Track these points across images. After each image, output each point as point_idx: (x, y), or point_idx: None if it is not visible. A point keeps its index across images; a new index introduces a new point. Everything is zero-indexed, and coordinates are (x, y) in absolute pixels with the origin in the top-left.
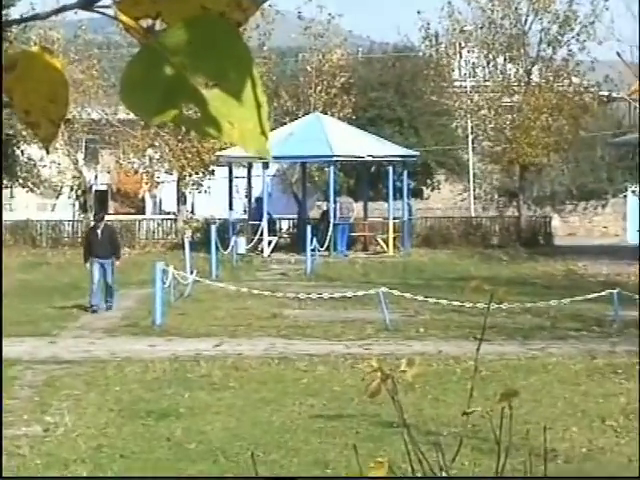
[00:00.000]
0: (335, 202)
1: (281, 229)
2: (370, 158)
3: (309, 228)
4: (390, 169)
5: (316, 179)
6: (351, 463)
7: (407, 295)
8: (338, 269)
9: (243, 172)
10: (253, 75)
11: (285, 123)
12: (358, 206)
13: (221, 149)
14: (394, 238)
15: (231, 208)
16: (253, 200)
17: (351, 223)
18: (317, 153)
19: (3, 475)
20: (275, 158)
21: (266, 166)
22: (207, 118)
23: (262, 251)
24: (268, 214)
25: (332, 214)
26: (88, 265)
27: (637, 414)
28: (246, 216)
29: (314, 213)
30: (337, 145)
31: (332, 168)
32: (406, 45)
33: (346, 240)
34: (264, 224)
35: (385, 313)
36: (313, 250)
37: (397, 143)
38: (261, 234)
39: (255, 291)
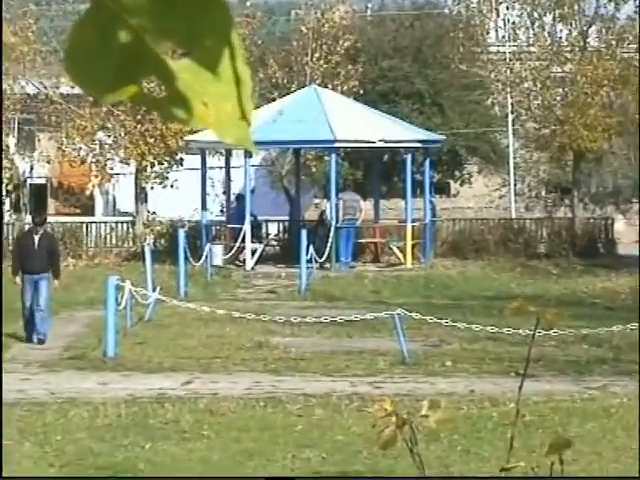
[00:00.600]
0: (337, 200)
1: (268, 234)
2: (382, 144)
3: (304, 233)
4: (408, 158)
5: (313, 171)
6: None
7: (430, 319)
8: (341, 285)
9: (220, 161)
10: (233, 41)
11: (274, 99)
12: (367, 205)
13: (192, 132)
14: (413, 246)
15: (204, 208)
16: (233, 197)
17: (358, 227)
18: (314, 137)
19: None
20: (261, 144)
21: (249, 154)
22: (174, 96)
23: (244, 262)
24: (252, 215)
25: (333, 215)
26: (18, 280)
27: None
28: (224, 218)
29: (311, 214)
30: (340, 127)
31: (333, 156)
32: (428, 0)
33: (351, 248)
34: (246, 228)
35: (402, 342)
36: (309, 261)
37: (417, 124)
38: (243, 241)
39: (235, 314)
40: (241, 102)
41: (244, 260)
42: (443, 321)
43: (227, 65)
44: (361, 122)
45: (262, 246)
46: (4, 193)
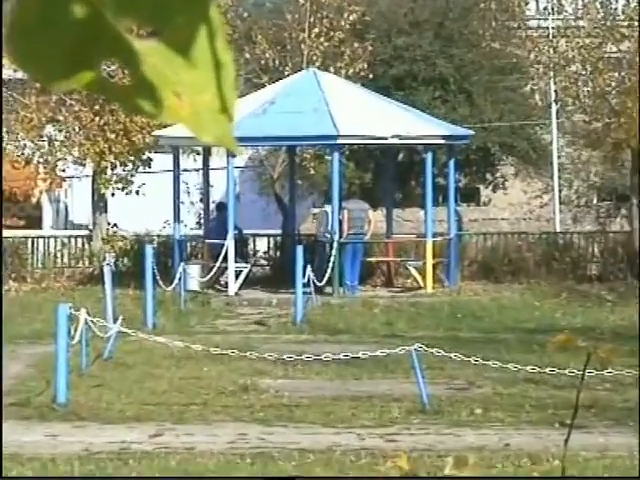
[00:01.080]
0: (341, 209)
1: (256, 252)
2: (396, 140)
3: (300, 250)
4: (428, 158)
5: (311, 173)
6: None
7: (455, 356)
8: (346, 315)
9: (196, 163)
10: (211, 15)
11: (263, 85)
12: (377, 216)
13: (162, 127)
14: (434, 266)
15: (177, 219)
16: (212, 207)
17: (366, 242)
18: (313, 132)
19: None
20: (247, 141)
21: (233, 154)
22: (140, 84)
23: (226, 286)
24: (236, 228)
25: (336, 228)
26: None
27: None
28: (201, 231)
29: (308, 226)
30: (344, 119)
31: (336, 156)
32: None
33: (358, 269)
34: (229, 244)
35: (420, 384)
36: (307, 285)
37: (439, 116)
38: (225, 260)
39: (215, 350)
40: (222, 91)
41: (226, 284)
42: (472, 359)
43: (204, 46)
44: (370, 113)
45: (248, 266)
46: None
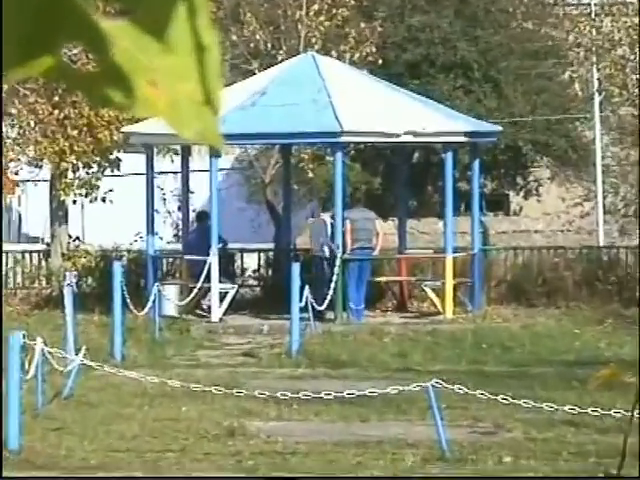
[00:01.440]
0: (345, 219)
1: (244, 270)
2: (410, 138)
3: (296, 268)
4: (448, 158)
5: (310, 177)
6: None
7: (480, 394)
8: (351, 345)
9: (174, 164)
10: None
11: (253, 73)
12: (387, 227)
13: (134, 121)
14: (455, 287)
15: (152, 231)
16: (193, 216)
17: (375, 259)
18: (312, 128)
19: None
20: (234, 139)
21: (217, 154)
22: (108, 72)
23: (209, 311)
24: (220, 242)
25: (339, 241)
26: None
27: None
28: (179, 246)
29: (306, 240)
30: (349, 113)
31: (339, 156)
32: None
33: (365, 291)
34: (212, 261)
35: (439, 427)
36: (304, 309)
37: (461, 109)
38: (207, 279)
39: (196, 386)
40: (205, 79)
41: (209, 308)
42: (500, 397)
43: (183, 26)
44: (380, 106)
45: (235, 287)
46: None
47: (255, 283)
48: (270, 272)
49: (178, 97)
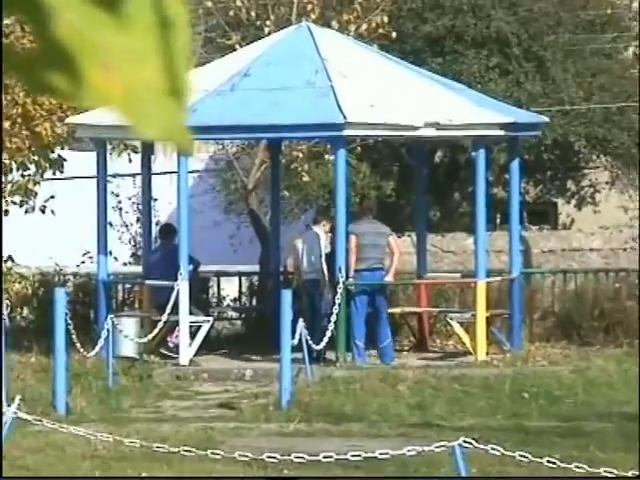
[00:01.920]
0: (350, 234)
1: (222, 299)
2: (432, 131)
3: (288, 296)
4: (479, 157)
5: (304, 180)
6: None
7: (520, 455)
8: (356, 394)
9: (132, 165)
10: None
11: (233, 49)
12: (403, 244)
13: (81, 111)
14: (489, 320)
15: (104, 250)
16: (156, 231)
17: (387, 284)
18: (307, 119)
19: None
20: (207, 133)
21: (186, 152)
22: (50, 51)
23: (177, 351)
24: (191, 263)
25: (340, 261)
26: None
27: None
28: (139, 268)
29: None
30: (354, 100)
31: (342, 154)
32: None
33: (376, 325)
34: (181, 287)
35: None
36: (296, 348)
37: (496, 95)
38: (175, 311)
39: (160, 447)
40: (169, 61)
41: (177, 347)
42: (545, 460)
43: None
44: (393, 91)
45: (210, 320)
46: None
47: (235, 315)
48: (254, 301)
49: (136, 84)
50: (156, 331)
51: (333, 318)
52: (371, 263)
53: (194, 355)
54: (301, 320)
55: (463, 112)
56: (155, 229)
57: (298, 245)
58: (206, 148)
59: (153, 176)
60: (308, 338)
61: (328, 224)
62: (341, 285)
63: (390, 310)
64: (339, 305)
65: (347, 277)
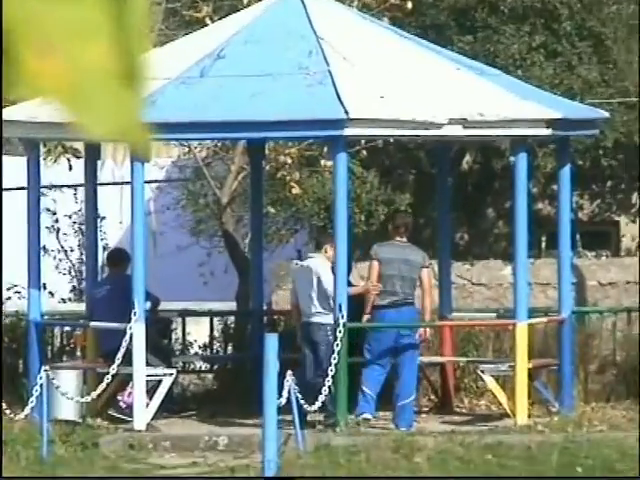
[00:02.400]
0: (351, 260)
1: (187, 346)
2: (459, 130)
3: (273, 342)
4: (520, 162)
5: (293, 193)
6: None
7: None
8: (361, 468)
9: (73, 173)
10: None
11: (202, 23)
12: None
13: (8, 104)
14: (531, 374)
15: (37, 283)
16: (103, 258)
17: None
18: (298, 115)
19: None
20: (169, 132)
21: (143, 157)
22: None
23: (130, 412)
24: (149, 299)
25: (341, 298)
26: None
27: None
28: (82, 306)
29: (286, 296)
30: (358, 91)
31: (343, 159)
32: None
33: (401, 377)
34: (135, 330)
35: None
36: (285, 409)
37: (541, 84)
38: (127, 361)
39: None
40: (124, 40)
41: (129, 407)
42: None
43: None
44: (408, 79)
45: (173, 374)
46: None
47: (205, 366)
48: (230, 349)
49: (82, 68)
50: (103, 387)
51: (331, 372)
52: (396, 298)
53: (152, 418)
54: (290, 373)
55: (498, 105)
56: (102, 256)
57: (297, 276)
58: (168, 151)
59: (100, 187)
60: (299, 396)
61: (331, 249)
62: (341, 328)
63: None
64: (338, 353)
65: (354, 317)
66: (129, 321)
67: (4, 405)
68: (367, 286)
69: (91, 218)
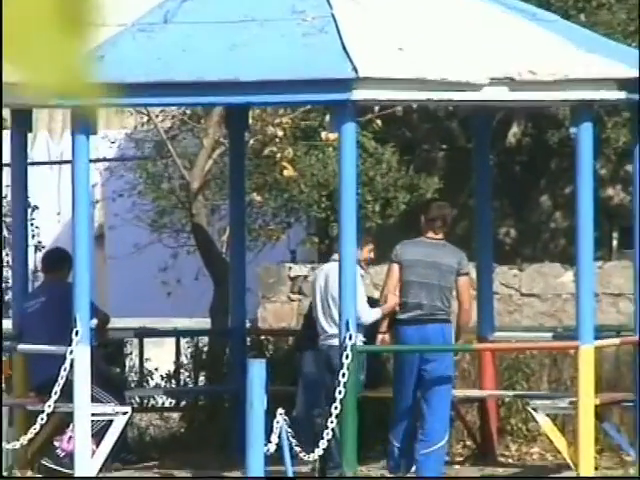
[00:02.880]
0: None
1: (146, 375)
2: (504, 93)
3: (259, 370)
4: (583, 136)
5: (286, 175)
6: None
7: None
8: None
9: None
10: None
11: None
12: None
13: None
14: (599, 411)
15: None
16: (36, 259)
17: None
18: (292, 74)
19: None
20: (126, 94)
21: (90, 127)
22: None
23: (70, 462)
24: (95, 314)
25: (347, 311)
26: None
27: None
28: (8, 324)
29: (277, 310)
30: (369, 44)
31: (350, 130)
32: None
33: (428, 415)
34: (77, 355)
35: None
36: (275, 457)
37: (611, 32)
38: (66, 395)
39: None
40: None
41: (69, 456)
42: None
43: None
44: (435, 26)
45: (127, 412)
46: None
47: (170, 403)
48: (201, 379)
49: (16, 9)
50: (36, 429)
51: (335, 410)
52: (421, 312)
53: (100, 470)
54: (281, 412)
55: (555, 60)
56: (35, 258)
57: (319, 284)
58: (121, 121)
59: (31, 168)
60: (292, 441)
61: (368, 246)
62: (349, 350)
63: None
64: (345, 385)
65: (371, 335)
66: (69, 344)
67: None
68: (392, 300)
69: (19, 208)
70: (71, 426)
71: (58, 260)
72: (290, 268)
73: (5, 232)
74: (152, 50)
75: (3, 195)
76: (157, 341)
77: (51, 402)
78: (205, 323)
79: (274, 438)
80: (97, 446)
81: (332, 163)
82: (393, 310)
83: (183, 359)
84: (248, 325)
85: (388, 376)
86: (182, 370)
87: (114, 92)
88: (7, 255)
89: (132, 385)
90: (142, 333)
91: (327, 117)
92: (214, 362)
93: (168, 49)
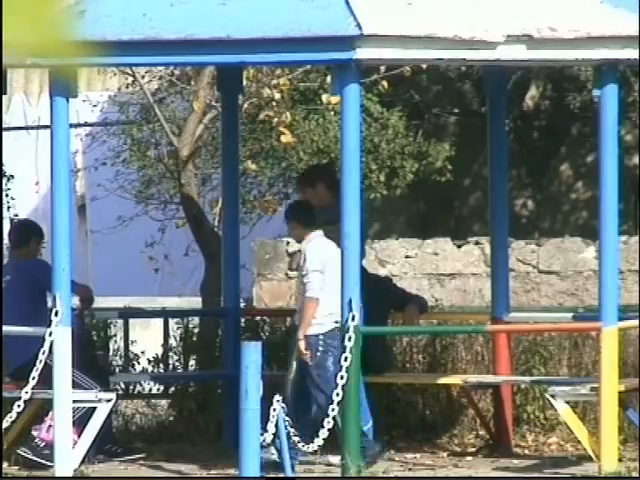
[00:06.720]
0: (364, 238)
1: (134, 358)
2: (521, 52)
3: (254, 354)
4: (607, 99)
5: (283, 141)
6: None
7: None
8: None
9: None
10: None
11: None
12: (465, 257)
13: None
14: (623, 398)
15: None
16: (9, 234)
17: (435, 332)
18: (289, 31)
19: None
20: (108, 52)
21: (69, 90)
22: None
23: (49, 454)
24: (76, 292)
25: (350, 289)
26: None
27: None
28: None
29: (274, 289)
30: (373, 3)
31: (353, 93)
32: None
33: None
34: (56, 337)
35: None
36: (271, 448)
37: None
38: (45, 380)
39: None
40: None
41: (48, 446)
42: None
43: None
44: None
45: (112, 399)
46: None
47: (158, 389)
48: (192, 364)
49: None
50: (12, 418)
51: (337, 394)
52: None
53: (82, 462)
54: (277, 399)
55: (577, 16)
56: (8, 231)
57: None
58: (103, 82)
59: (6, 134)
60: (290, 430)
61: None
62: (351, 332)
63: (442, 380)
64: (347, 370)
65: (370, 318)
66: (48, 325)
67: None
68: None
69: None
70: (50, 414)
71: (24, 234)
72: (288, 243)
73: None
74: (137, 5)
75: None
76: (143, 322)
77: (28, 388)
78: (195, 303)
79: (271, 427)
80: (79, 436)
81: (333, 128)
82: None
83: (172, 342)
84: (242, 305)
85: (393, 361)
86: (171, 354)
87: (96, 50)
88: None
89: (117, 370)
90: (127, 313)
91: (328, 78)
92: (205, 345)
93: (154, 4)
